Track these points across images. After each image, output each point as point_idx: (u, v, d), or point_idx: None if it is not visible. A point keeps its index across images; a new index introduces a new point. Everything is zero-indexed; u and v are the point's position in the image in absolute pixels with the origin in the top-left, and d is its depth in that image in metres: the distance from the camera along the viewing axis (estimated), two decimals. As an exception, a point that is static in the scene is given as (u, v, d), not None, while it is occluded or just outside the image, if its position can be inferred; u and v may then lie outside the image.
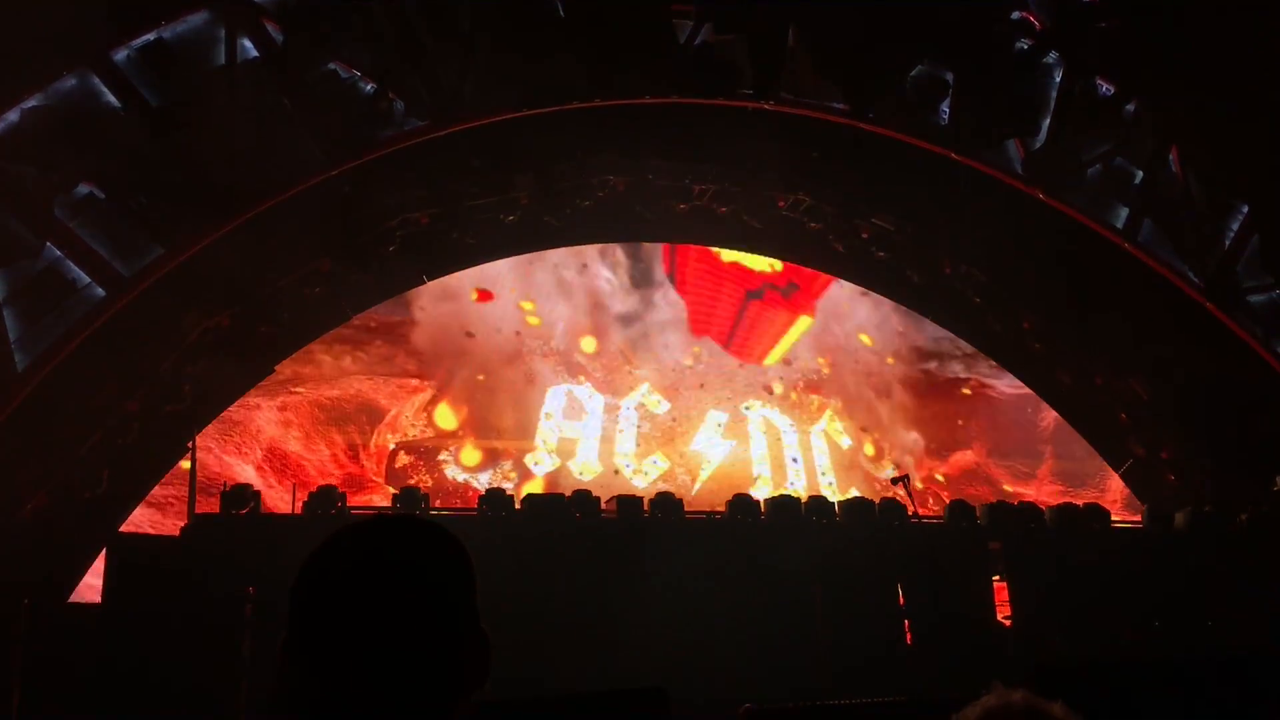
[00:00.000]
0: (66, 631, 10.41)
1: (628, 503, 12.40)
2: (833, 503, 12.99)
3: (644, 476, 19.73)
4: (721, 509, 13.18)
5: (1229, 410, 14.47)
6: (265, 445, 18.23)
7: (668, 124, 13.68)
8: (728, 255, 20.04)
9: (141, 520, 14.68)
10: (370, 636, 1.61)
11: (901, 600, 11.81)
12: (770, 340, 21.13)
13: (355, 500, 14.83)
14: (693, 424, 20.58)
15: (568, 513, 11.88)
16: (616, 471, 19.59)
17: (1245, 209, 14.29)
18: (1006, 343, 16.53)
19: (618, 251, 20.54)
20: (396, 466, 19.08)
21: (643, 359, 20.99)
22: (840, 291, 20.26)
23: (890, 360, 21.34)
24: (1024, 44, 13.83)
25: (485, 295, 20.29)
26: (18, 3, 10.96)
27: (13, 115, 11.42)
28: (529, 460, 19.33)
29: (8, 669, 9.65)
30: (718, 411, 20.70)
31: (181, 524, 12.03)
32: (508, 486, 17.19)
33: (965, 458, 21.20)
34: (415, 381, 20.26)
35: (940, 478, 21.09)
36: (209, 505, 12.27)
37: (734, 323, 20.92)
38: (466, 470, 19.28)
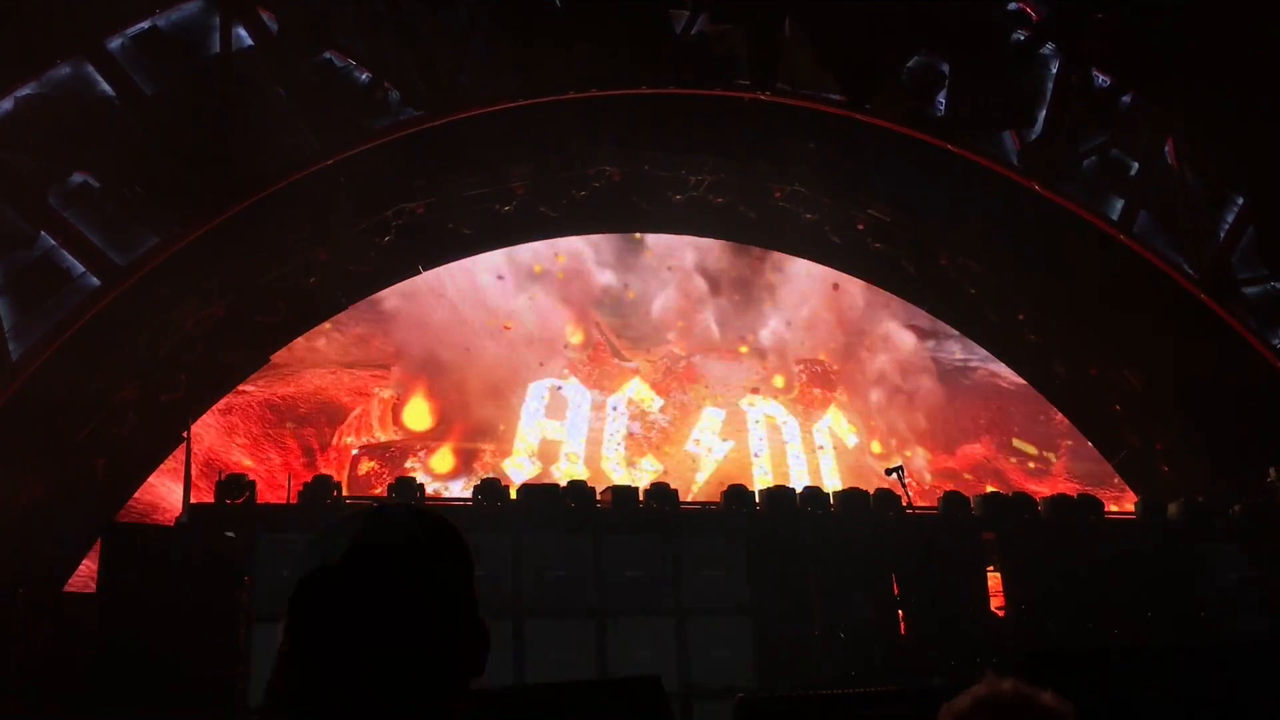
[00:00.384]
0: (62, 621, 10.41)
1: (623, 493, 12.41)
2: (828, 494, 13.02)
3: (634, 482, 18.39)
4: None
5: (1223, 402, 14.51)
6: (202, 458, 15.31)
7: (664, 115, 13.67)
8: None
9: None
10: (371, 626, 1.61)
11: (896, 590, 11.84)
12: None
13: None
14: (688, 422, 19.15)
15: (562, 503, 11.89)
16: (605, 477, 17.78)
17: (1241, 201, 14.32)
18: (1002, 334, 16.55)
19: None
20: (359, 474, 17.22)
21: (633, 350, 19.48)
22: (840, 275, 18.54)
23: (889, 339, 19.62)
24: (1020, 35, 13.84)
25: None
26: (12, -9, 10.94)
27: (7, 104, 11.39)
28: (507, 465, 17.51)
29: (4, 660, 9.65)
30: (714, 408, 19.31)
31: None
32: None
33: (974, 450, 19.86)
34: (381, 375, 18.26)
35: (955, 472, 19.49)
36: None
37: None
38: (437, 478, 17.40)
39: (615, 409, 18.95)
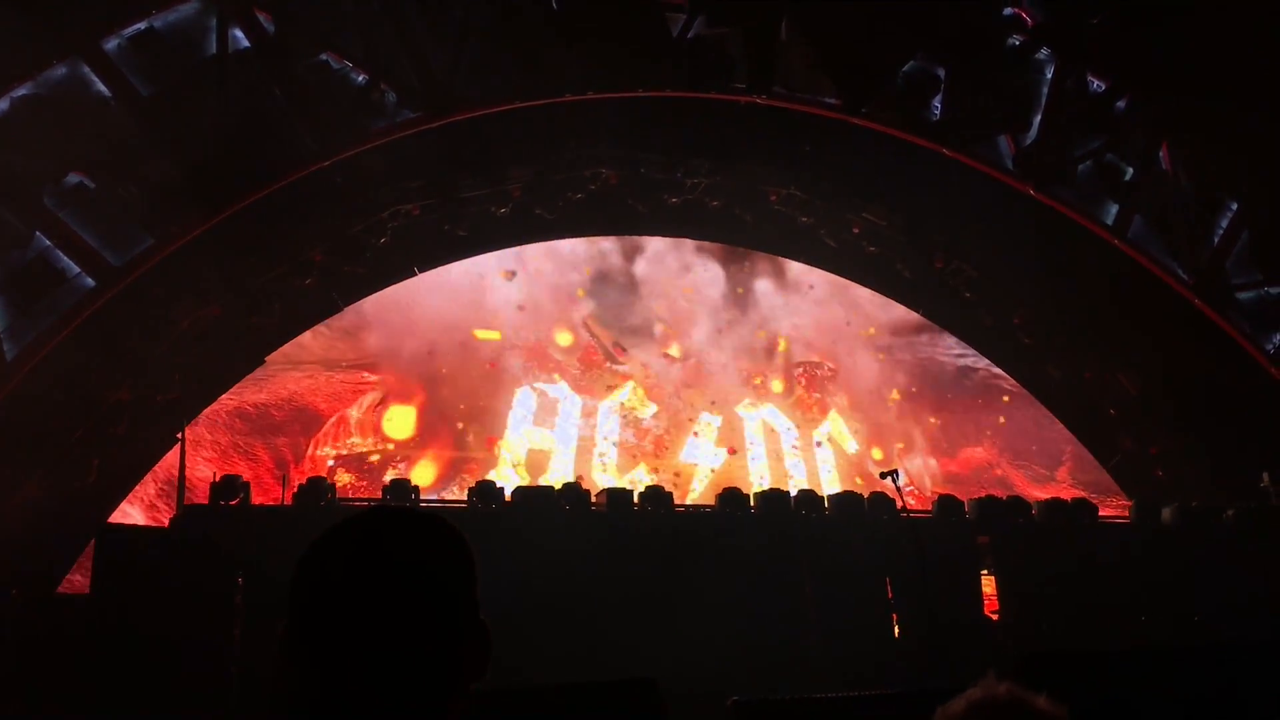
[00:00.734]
0: (56, 622, 10.39)
1: (617, 496, 12.41)
2: (822, 497, 13.02)
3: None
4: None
5: (1217, 406, 14.55)
6: (162, 474, 14.21)
7: (660, 117, 13.68)
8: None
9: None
10: (372, 628, 1.61)
11: (890, 594, 11.85)
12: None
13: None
14: (682, 429, 18.56)
15: (557, 506, 11.89)
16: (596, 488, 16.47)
17: (1235, 206, 14.36)
18: (997, 337, 16.59)
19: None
20: (336, 487, 14.84)
21: (625, 353, 18.97)
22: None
23: (876, 332, 19.34)
24: (1016, 40, 13.86)
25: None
26: (8, -9, 10.92)
27: (3, 104, 11.38)
28: (493, 477, 15.76)
29: (-3, 660, 9.64)
30: (711, 414, 18.81)
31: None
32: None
33: (976, 455, 19.54)
34: (361, 380, 17.39)
35: (951, 471, 19.21)
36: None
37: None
38: (421, 491, 15.58)
39: (606, 415, 18.40)
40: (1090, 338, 15.68)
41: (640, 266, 18.71)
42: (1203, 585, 12.07)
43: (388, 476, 15.95)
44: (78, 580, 12.22)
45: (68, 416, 12.04)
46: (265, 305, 13.76)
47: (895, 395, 19.33)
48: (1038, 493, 18.12)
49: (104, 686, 9.20)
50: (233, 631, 9.85)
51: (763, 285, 19.10)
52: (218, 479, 11.66)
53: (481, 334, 17.99)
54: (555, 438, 17.84)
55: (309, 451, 16.43)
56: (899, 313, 18.17)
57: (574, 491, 12.32)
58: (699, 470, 18.10)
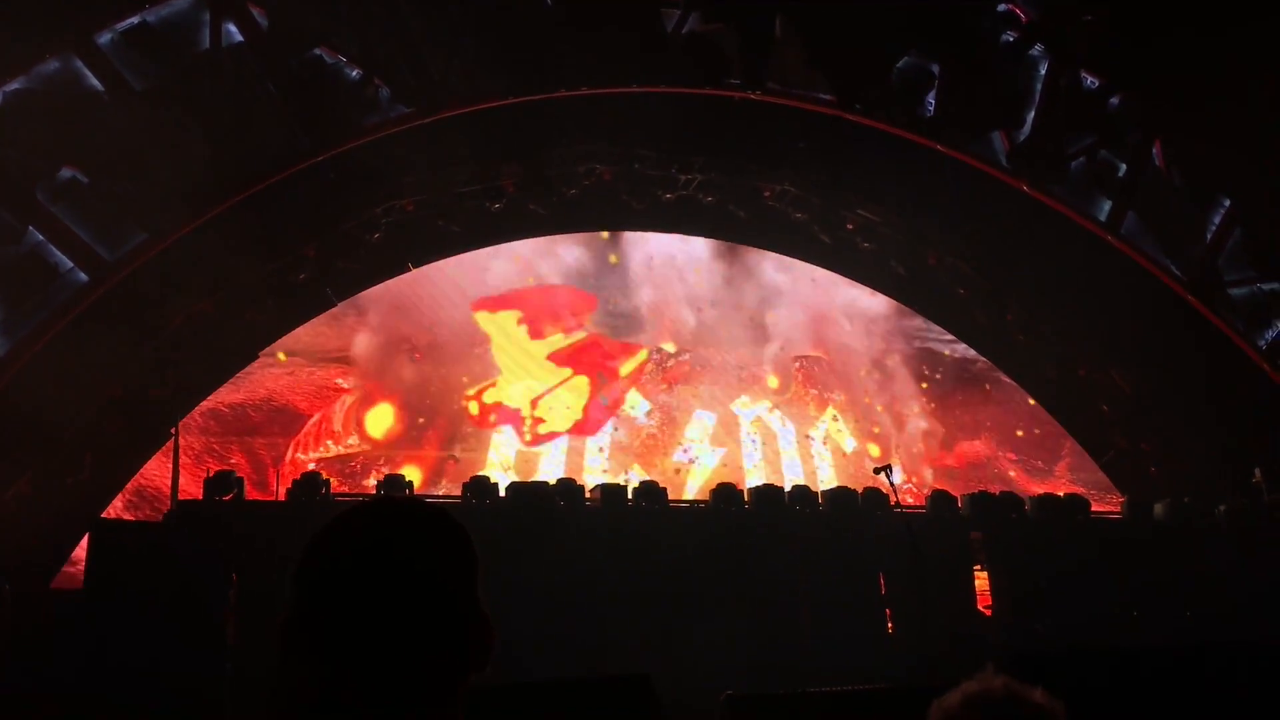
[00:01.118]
0: (48, 616, 10.37)
1: (611, 491, 12.42)
2: (816, 492, 13.03)
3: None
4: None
5: (1210, 402, 14.58)
6: (131, 485, 13.78)
7: (654, 113, 13.66)
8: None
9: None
10: (380, 618, 1.62)
11: (884, 589, 11.87)
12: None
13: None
14: (676, 428, 18.17)
15: (552, 501, 11.90)
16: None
17: (1228, 202, 14.38)
18: (991, 334, 16.61)
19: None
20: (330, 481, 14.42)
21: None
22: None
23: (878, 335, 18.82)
24: (1010, 37, 13.87)
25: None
26: (0, -15, 10.89)
27: (-5, 98, 11.35)
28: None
29: (-10, 654, 9.62)
30: (705, 412, 18.42)
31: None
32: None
33: (974, 448, 19.14)
34: (342, 376, 16.69)
35: (950, 466, 18.74)
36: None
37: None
38: (406, 495, 15.47)
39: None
40: (1084, 334, 15.70)
41: (632, 258, 18.39)
42: (1195, 581, 12.11)
43: (370, 480, 15.66)
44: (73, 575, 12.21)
45: (60, 411, 12.00)
46: (259, 301, 13.74)
47: (892, 388, 19.03)
48: (1037, 488, 18.00)
49: (97, 680, 9.18)
50: (226, 626, 9.85)
51: (759, 276, 18.79)
52: (211, 475, 11.64)
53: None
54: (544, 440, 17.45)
55: (289, 454, 15.94)
56: (898, 306, 17.98)
57: (568, 487, 12.33)
58: (693, 470, 17.81)
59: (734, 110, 13.68)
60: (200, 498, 11.47)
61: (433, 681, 1.64)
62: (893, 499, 11.05)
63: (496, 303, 17.65)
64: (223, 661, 9.62)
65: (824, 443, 18.69)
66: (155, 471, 14.13)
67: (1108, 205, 14.50)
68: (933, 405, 19.09)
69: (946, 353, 18.84)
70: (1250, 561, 12.27)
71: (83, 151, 11.75)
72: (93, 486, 12.75)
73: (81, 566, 10.91)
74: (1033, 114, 13.97)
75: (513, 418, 17.21)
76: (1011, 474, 18.72)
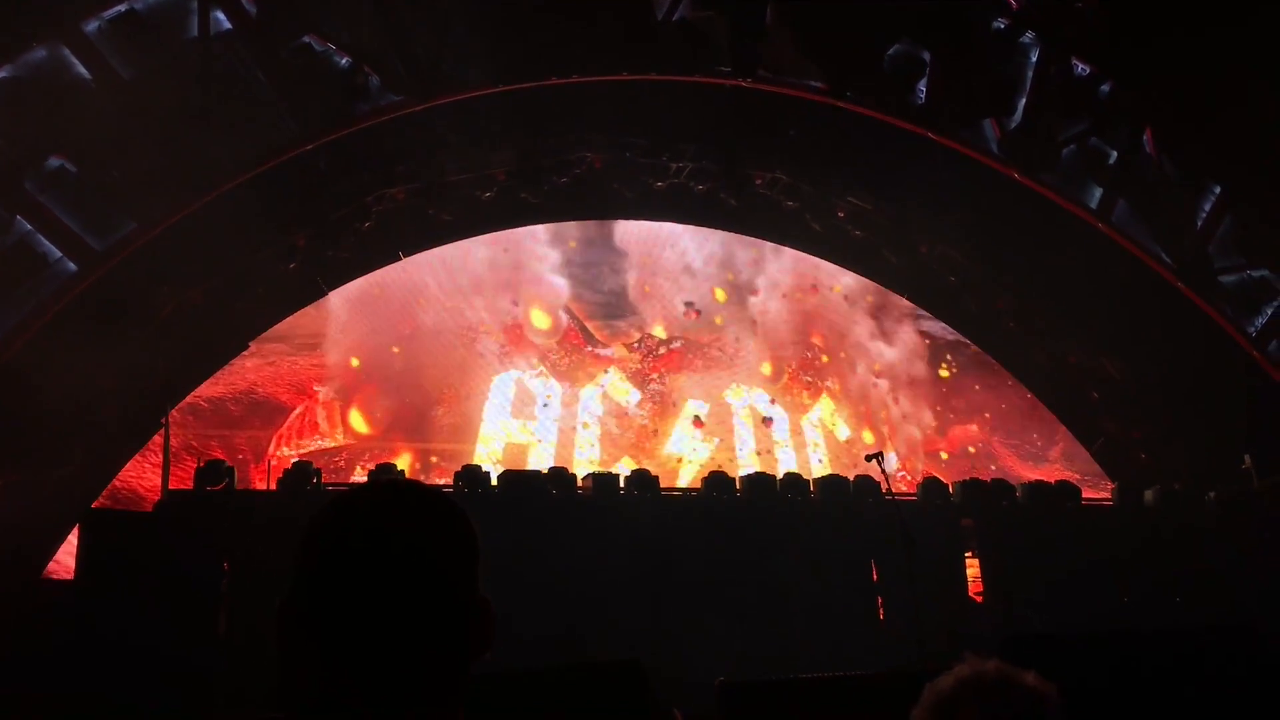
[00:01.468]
0: (40, 607, 10.36)
1: (603, 480, 12.43)
2: (808, 480, 13.06)
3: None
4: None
5: (1200, 389, 14.63)
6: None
7: (645, 101, 13.64)
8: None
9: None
10: (386, 602, 1.60)
11: (875, 576, 11.90)
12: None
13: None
14: (668, 418, 18.00)
15: (544, 490, 11.90)
16: None
17: (1218, 190, 14.41)
18: (981, 322, 16.64)
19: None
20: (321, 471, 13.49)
21: (607, 334, 18.40)
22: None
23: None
24: (1001, 23, 13.86)
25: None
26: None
27: (-18, 86, 11.27)
28: None
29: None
30: (697, 401, 18.24)
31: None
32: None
33: (968, 433, 19.14)
34: (327, 366, 16.25)
35: (943, 455, 18.77)
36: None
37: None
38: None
39: (588, 403, 17.84)
40: (1074, 322, 15.74)
41: (623, 242, 18.30)
42: (1185, 567, 12.17)
43: (357, 475, 15.43)
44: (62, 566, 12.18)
45: (51, 402, 11.96)
46: (249, 290, 13.69)
47: (886, 373, 18.91)
48: (1030, 473, 18.08)
49: (88, 670, 9.17)
50: (218, 616, 9.84)
51: (751, 262, 18.69)
52: (202, 464, 11.62)
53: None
54: (534, 429, 17.34)
55: (270, 449, 15.64)
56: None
57: (560, 476, 12.33)
58: (686, 461, 17.75)
59: (725, 98, 13.65)
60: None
61: (436, 669, 1.63)
62: (885, 486, 11.07)
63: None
64: (214, 651, 9.62)
65: (818, 429, 18.71)
66: (131, 473, 14.04)
67: (1099, 193, 14.52)
68: (927, 390, 19.09)
69: (941, 337, 18.77)
70: (1240, 547, 12.34)
71: (70, 140, 11.67)
72: (83, 477, 12.71)
73: (72, 557, 10.89)
74: (1024, 101, 13.96)
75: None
76: (1005, 458, 18.75)
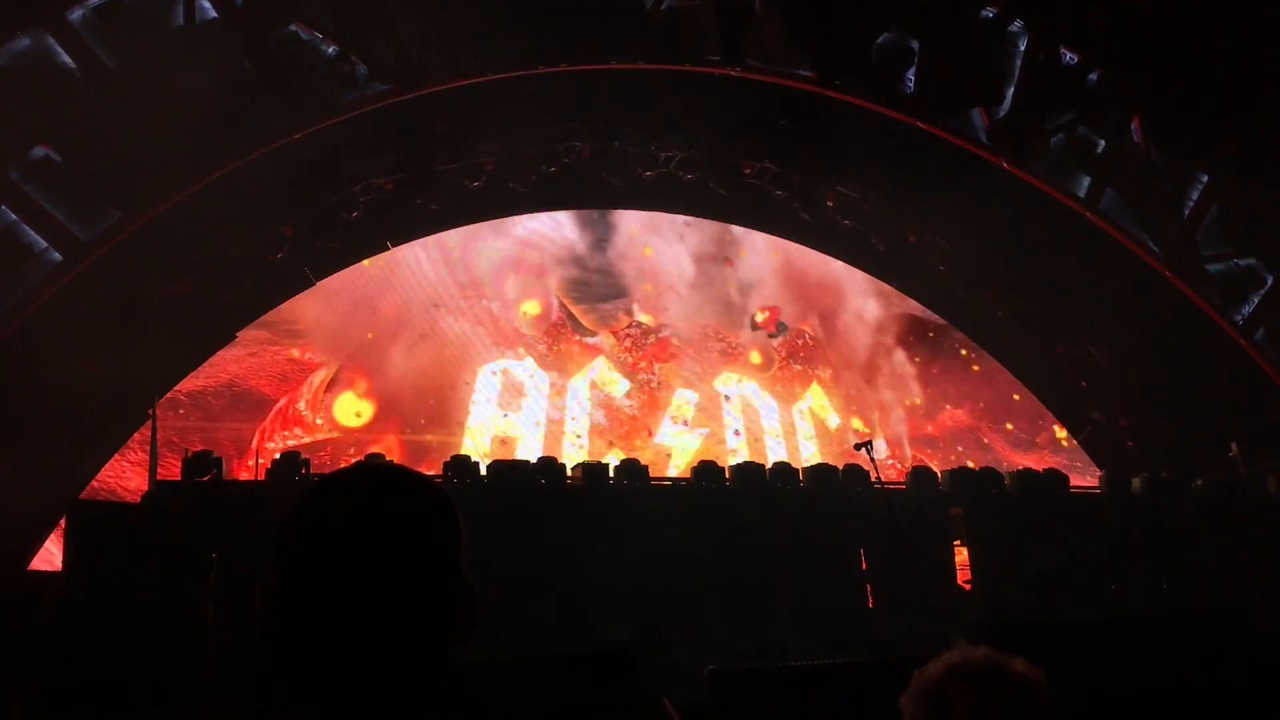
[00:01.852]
0: (26, 599, 10.32)
1: (593, 469, 12.41)
2: (797, 469, 13.07)
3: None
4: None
5: (1186, 378, 14.69)
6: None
7: (634, 90, 13.61)
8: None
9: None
10: (367, 586, 1.59)
11: (864, 564, 11.93)
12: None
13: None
14: (658, 408, 17.83)
15: (533, 480, 11.89)
16: None
17: (1205, 179, 14.46)
18: (970, 310, 16.67)
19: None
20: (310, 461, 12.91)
21: (594, 319, 18.16)
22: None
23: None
24: (989, 12, 13.86)
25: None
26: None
27: (-35, 76, 11.20)
28: None
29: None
30: (687, 391, 18.07)
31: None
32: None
33: (957, 417, 18.97)
34: (310, 357, 15.96)
35: (932, 435, 18.56)
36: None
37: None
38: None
39: (576, 394, 17.62)
40: (1062, 310, 15.79)
41: (609, 229, 18.17)
42: (1172, 554, 12.23)
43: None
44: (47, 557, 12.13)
45: (37, 393, 11.91)
46: (236, 280, 13.64)
47: (875, 358, 18.80)
48: (1019, 458, 18.13)
49: (74, 662, 9.15)
50: (207, 607, 9.81)
51: (742, 250, 18.57)
52: (190, 455, 11.57)
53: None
54: (522, 422, 17.23)
55: (254, 443, 15.38)
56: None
57: (549, 465, 12.32)
58: (675, 452, 17.68)
59: (713, 87, 13.63)
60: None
61: (418, 651, 1.62)
62: (873, 475, 11.09)
63: None
64: (203, 641, 9.59)
65: (808, 418, 18.70)
66: (111, 474, 13.95)
67: (1086, 181, 14.55)
68: (916, 374, 19.05)
69: (929, 322, 18.72)
70: (1226, 534, 12.40)
71: (56, 130, 11.61)
72: (70, 468, 12.66)
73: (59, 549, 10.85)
74: (1012, 90, 13.98)
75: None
76: (994, 443, 18.73)
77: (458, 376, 17.16)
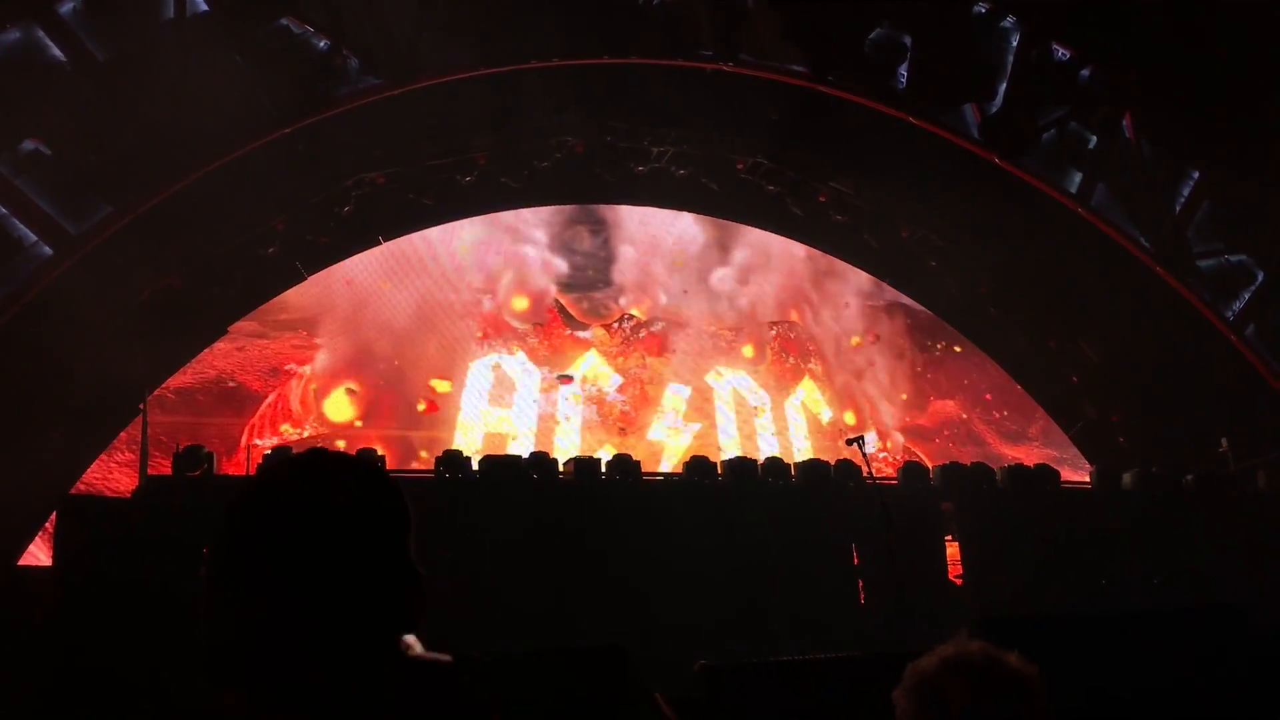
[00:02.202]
0: (17, 594, 10.28)
1: (585, 464, 12.41)
2: (789, 465, 13.08)
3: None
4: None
5: (1177, 373, 14.73)
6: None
7: (626, 85, 13.59)
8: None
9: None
10: (306, 570, 1.60)
11: (856, 560, 11.94)
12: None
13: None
14: (650, 403, 17.74)
15: (525, 475, 11.88)
16: None
17: (1196, 175, 14.50)
18: (962, 306, 16.69)
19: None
20: None
21: (585, 309, 18.06)
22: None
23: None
24: (982, 8, 13.87)
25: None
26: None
27: (-46, 69, 11.13)
28: None
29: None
30: (679, 385, 18.05)
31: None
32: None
33: (948, 408, 18.98)
34: (299, 349, 15.86)
35: (923, 427, 18.55)
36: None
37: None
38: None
39: (567, 398, 17.55)
40: (1054, 306, 15.81)
41: (604, 221, 18.14)
42: (1162, 550, 12.27)
43: None
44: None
45: (27, 388, 11.86)
46: (227, 275, 13.60)
47: (855, 340, 18.77)
48: (1010, 450, 18.16)
49: (64, 658, 9.12)
50: (196, 601, 9.77)
51: (733, 242, 18.49)
52: (180, 449, 11.54)
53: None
54: (513, 418, 17.17)
55: (243, 440, 15.30)
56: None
57: (541, 460, 12.31)
58: (668, 448, 17.65)
59: (706, 82, 13.61)
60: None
61: (359, 637, 1.62)
62: (865, 471, 11.10)
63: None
64: (194, 637, 9.55)
65: (800, 411, 18.70)
66: (96, 474, 13.87)
67: (1078, 177, 14.58)
68: (907, 367, 19.06)
69: (922, 314, 18.67)
70: (1216, 529, 12.44)
71: (45, 123, 11.55)
72: (61, 463, 12.61)
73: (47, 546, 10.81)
74: (1004, 86, 13.99)
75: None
76: (985, 434, 18.72)
77: (449, 371, 17.10)
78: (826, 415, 18.69)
